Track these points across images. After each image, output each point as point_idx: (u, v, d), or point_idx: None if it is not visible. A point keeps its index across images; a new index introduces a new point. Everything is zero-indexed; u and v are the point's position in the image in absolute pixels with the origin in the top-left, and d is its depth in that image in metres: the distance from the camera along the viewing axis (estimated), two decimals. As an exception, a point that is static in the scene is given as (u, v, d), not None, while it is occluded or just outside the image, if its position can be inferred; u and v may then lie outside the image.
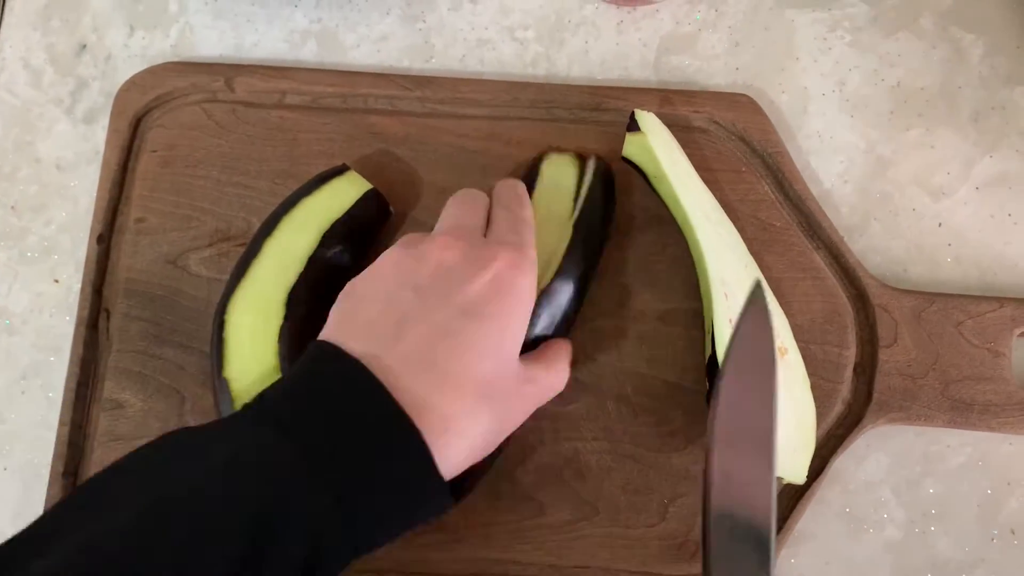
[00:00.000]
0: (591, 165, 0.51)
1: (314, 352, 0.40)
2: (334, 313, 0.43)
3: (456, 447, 0.38)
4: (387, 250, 0.44)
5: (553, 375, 0.45)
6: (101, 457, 0.51)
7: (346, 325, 0.41)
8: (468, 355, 0.40)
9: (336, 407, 0.37)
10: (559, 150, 0.53)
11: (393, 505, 0.37)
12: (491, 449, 0.42)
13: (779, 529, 0.48)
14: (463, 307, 0.40)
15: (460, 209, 0.46)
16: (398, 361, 0.38)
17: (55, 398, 0.52)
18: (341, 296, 0.43)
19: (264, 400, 0.39)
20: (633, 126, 0.50)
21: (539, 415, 0.50)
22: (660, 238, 0.53)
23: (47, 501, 0.50)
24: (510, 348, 0.42)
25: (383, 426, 0.37)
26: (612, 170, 0.52)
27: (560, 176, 0.51)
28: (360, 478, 0.36)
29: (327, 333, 0.41)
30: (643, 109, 0.51)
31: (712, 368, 0.46)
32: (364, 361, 0.38)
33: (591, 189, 0.50)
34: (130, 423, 0.51)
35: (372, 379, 0.38)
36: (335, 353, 0.39)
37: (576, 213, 0.49)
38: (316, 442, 0.36)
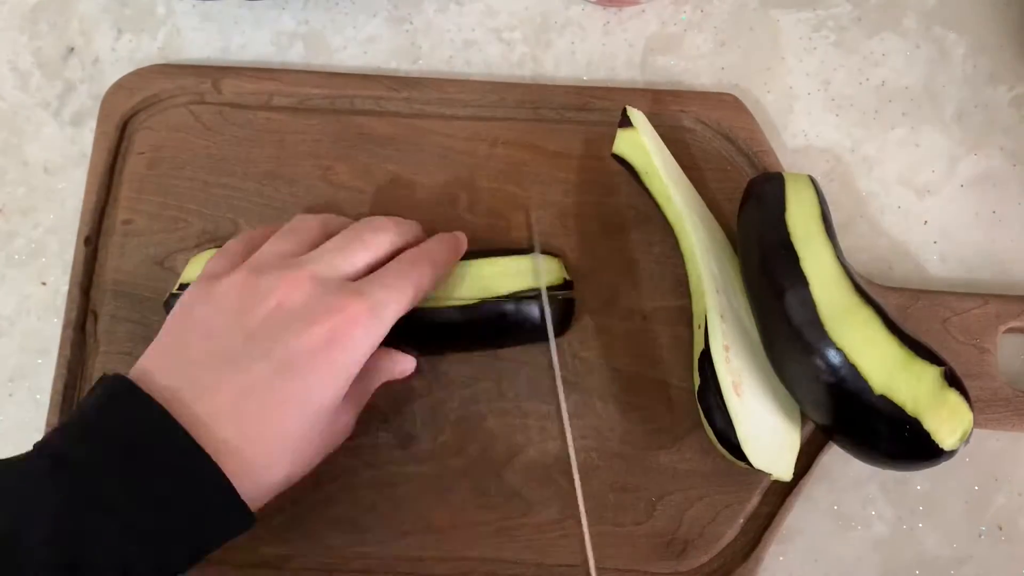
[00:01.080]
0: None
1: (114, 388, 0.39)
2: (163, 334, 0.41)
3: (258, 487, 0.39)
4: (238, 269, 0.42)
5: (352, 418, 0.46)
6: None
7: (168, 359, 0.40)
8: (276, 415, 0.39)
9: (133, 448, 0.37)
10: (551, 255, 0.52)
11: (192, 530, 0.38)
12: (307, 471, 0.43)
13: (767, 529, 0.48)
14: (284, 360, 0.39)
15: (339, 244, 0.44)
16: (206, 410, 0.38)
17: (43, 400, 0.52)
18: (177, 312, 0.42)
19: (61, 437, 0.38)
20: (625, 122, 0.50)
21: (525, 413, 0.50)
22: (646, 236, 0.53)
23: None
24: (327, 404, 0.41)
25: (182, 463, 0.37)
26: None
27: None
28: (161, 522, 0.36)
29: (145, 360, 0.40)
30: (632, 107, 0.51)
31: (704, 363, 0.47)
32: (169, 403, 0.37)
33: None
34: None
35: (171, 422, 0.37)
36: (134, 393, 0.38)
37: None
38: (109, 478, 0.36)
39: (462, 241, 0.49)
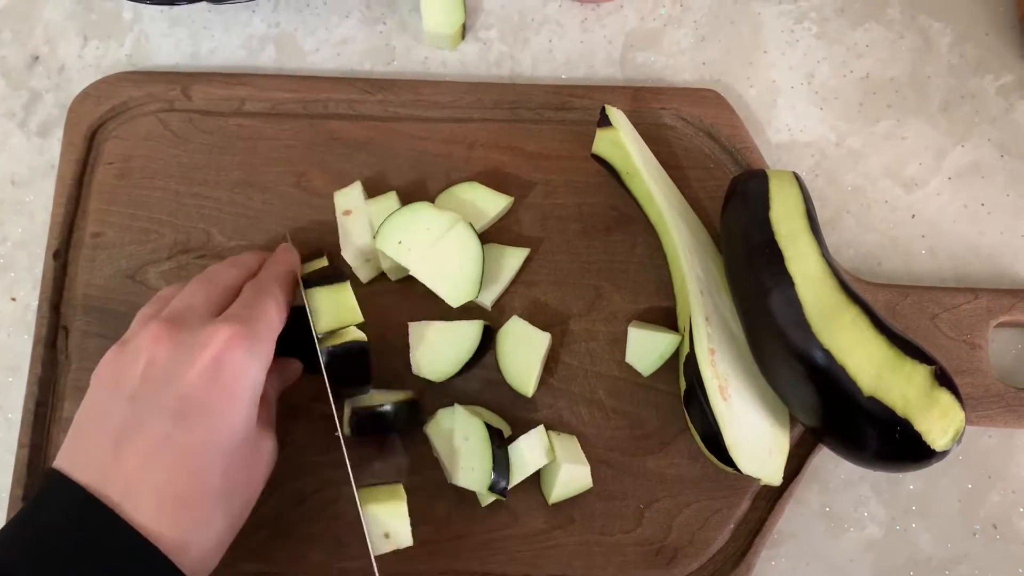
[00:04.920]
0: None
1: (44, 484, 0.38)
2: (70, 429, 0.40)
3: (204, 550, 0.38)
4: (108, 351, 0.41)
5: (273, 443, 0.43)
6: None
7: (72, 448, 0.39)
8: (191, 467, 0.37)
9: (65, 544, 0.35)
10: None
11: None
12: (249, 509, 0.41)
13: (758, 534, 0.47)
14: (177, 410, 0.38)
15: (191, 289, 0.43)
16: (121, 487, 0.36)
17: (14, 419, 0.51)
18: (79, 411, 0.40)
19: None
20: (604, 122, 0.49)
21: (511, 421, 0.49)
22: (629, 238, 0.52)
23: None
24: (239, 434, 0.39)
25: (120, 554, 0.35)
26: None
27: None
28: None
29: (60, 456, 0.39)
30: (611, 106, 0.50)
31: (689, 367, 0.46)
32: (91, 489, 0.36)
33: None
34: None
35: (101, 508, 0.36)
36: (62, 484, 0.37)
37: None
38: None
39: (286, 253, 0.47)
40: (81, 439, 0.39)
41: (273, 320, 0.42)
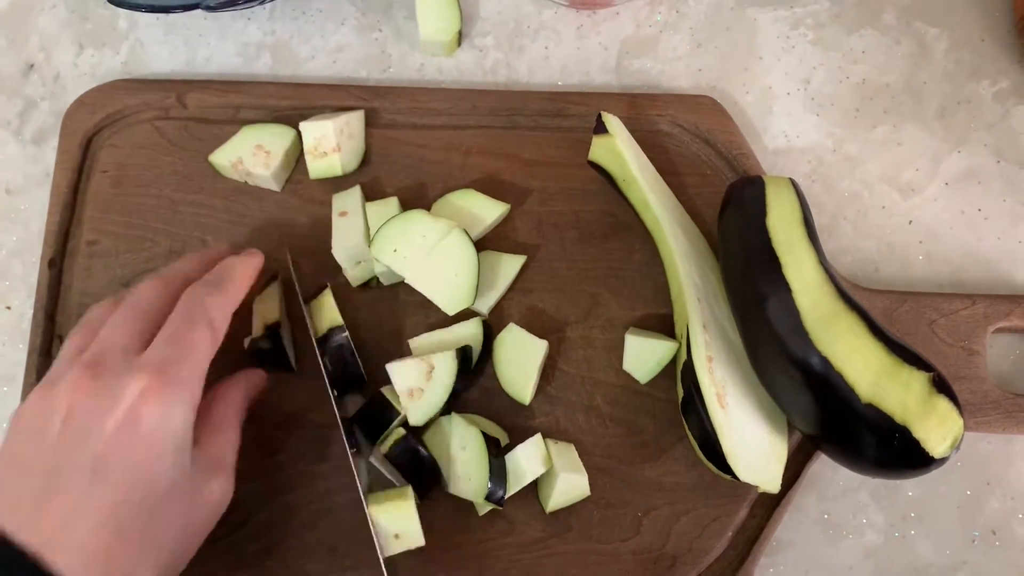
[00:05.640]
0: None
1: None
2: None
3: None
4: (32, 392, 0.40)
5: (222, 479, 0.41)
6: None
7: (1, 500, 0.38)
8: (111, 525, 0.36)
9: None
10: None
11: None
12: (190, 554, 0.40)
13: (756, 542, 0.47)
14: (94, 468, 0.37)
15: (117, 319, 0.41)
16: (42, 539, 0.35)
17: (9, 429, 0.50)
18: (1, 455, 0.39)
19: None
20: (600, 128, 0.49)
21: (508, 429, 0.49)
22: (626, 245, 0.52)
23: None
24: (164, 484, 0.38)
25: None
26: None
27: None
28: None
29: None
30: (607, 113, 0.50)
31: (687, 374, 0.45)
32: (12, 535, 0.35)
33: None
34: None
35: (22, 557, 0.35)
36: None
37: None
38: None
39: (230, 261, 0.45)
40: (4, 485, 0.38)
41: (200, 353, 0.41)
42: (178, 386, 0.39)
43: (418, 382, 0.46)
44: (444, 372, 0.46)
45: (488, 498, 0.44)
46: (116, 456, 0.37)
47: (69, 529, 0.36)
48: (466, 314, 0.49)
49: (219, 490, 0.41)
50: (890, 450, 0.41)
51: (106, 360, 0.39)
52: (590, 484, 0.48)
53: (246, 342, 0.48)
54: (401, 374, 0.46)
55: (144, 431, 0.38)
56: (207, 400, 0.42)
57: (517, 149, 0.53)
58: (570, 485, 0.46)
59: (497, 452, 0.45)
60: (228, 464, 0.42)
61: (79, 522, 0.36)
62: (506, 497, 0.45)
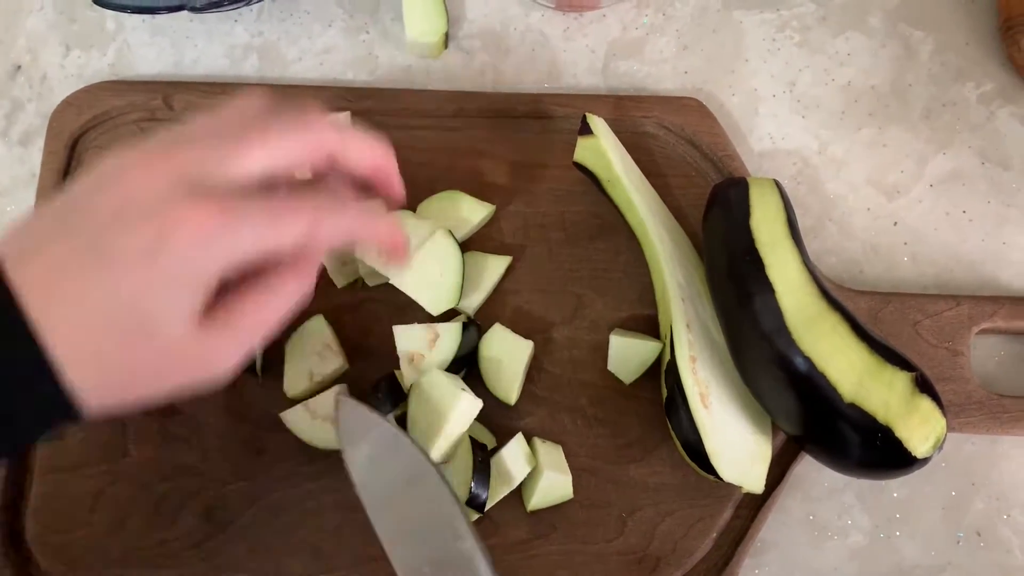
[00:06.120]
0: None
1: None
2: (45, 207, 0.37)
3: (84, 378, 0.34)
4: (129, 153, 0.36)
5: (229, 338, 0.37)
6: (41, 492, 0.49)
7: (22, 227, 0.36)
8: (77, 295, 0.34)
9: None
10: None
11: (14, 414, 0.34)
12: (150, 391, 0.37)
13: (740, 542, 0.47)
14: (95, 246, 0.34)
15: (242, 133, 0.36)
16: (22, 279, 0.33)
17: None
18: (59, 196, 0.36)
19: None
20: (585, 130, 0.49)
21: (493, 430, 0.49)
22: (612, 246, 0.52)
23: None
24: (149, 310, 0.34)
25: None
26: None
27: None
28: None
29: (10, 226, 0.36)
30: (592, 114, 0.50)
31: (671, 375, 0.45)
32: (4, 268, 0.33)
33: None
34: (71, 455, 0.49)
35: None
36: None
37: None
38: None
39: (375, 222, 0.40)
40: (33, 220, 0.36)
41: (284, 240, 0.36)
42: (226, 248, 0.35)
43: (421, 347, 0.47)
44: (447, 342, 0.47)
45: (469, 503, 0.44)
46: (118, 257, 0.34)
47: (50, 277, 0.34)
48: (451, 314, 0.49)
49: (221, 359, 0.37)
50: (873, 450, 0.42)
51: (191, 178, 0.35)
52: (575, 484, 0.48)
53: None
54: (407, 337, 0.47)
55: (165, 259, 0.34)
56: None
57: (504, 150, 0.53)
58: (553, 484, 0.46)
59: (483, 456, 0.45)
60: (238, 347, 0.38)
61: (61, 275, 0.34)
62: (487, 501, 0.45)
